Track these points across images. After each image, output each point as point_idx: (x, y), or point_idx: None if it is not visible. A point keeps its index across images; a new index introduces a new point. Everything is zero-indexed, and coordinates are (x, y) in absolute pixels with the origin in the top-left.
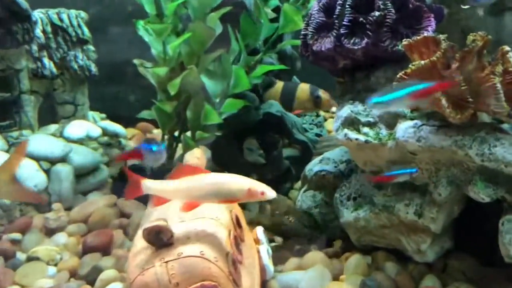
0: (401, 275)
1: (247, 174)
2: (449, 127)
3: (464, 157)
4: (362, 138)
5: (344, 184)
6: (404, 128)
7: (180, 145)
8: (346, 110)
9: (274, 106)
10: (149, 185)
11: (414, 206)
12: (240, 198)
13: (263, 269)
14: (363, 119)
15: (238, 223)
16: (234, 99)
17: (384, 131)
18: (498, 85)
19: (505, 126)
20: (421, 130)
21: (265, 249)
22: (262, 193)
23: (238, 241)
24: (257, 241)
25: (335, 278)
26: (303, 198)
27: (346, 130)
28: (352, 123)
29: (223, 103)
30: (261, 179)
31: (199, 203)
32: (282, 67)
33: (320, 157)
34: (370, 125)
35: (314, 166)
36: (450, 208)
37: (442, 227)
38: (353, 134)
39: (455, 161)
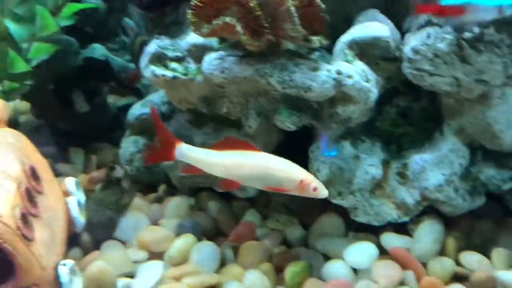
0: (222, 213)
1: (69, 125)
2: (251, 56)
3: (267, 85)
4: (169, 74)
5: None
6: (209, 61)
7: None
8: (153, 46)
9: (98, 50)
10: (187, 151)
11: None
12: (289, 188)
13: (72, 221)
14: (170, 54)
15: (34, 175)
16: (42, 43)
17: (192, 66)
18: (292, 8)
19: (316, 54)
20: (225, 61)
21: (75, 201)
22: (315, 189)
23: (32, 194)
24: (66, 193)
25: (155, 223)
26: (126, 144)
27: (153, 67)
28: (159, 59)
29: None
30: (85, 128)
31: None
32: (96, 5)
33: (142, 100)
34: (178, 60)
35: (135, 109)
36: (266, 140)
37: None
38: (159, 70)
39: (261, 91)
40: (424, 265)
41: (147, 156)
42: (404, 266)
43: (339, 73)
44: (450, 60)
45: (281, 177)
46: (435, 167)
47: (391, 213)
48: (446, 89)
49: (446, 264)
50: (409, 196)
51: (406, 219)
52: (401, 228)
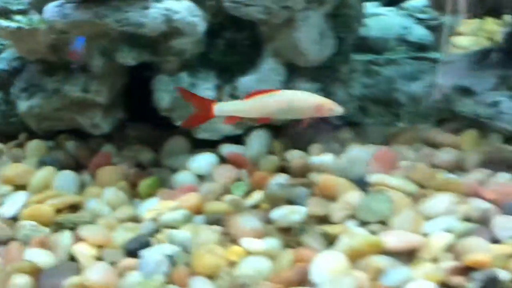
0: (80, 149)
1: None
2: (90, 1)
3: (105, 26)
4: (13, 25)
5: (17, 79)
6: (50, 9)
7: None
8: None
9: None
10: (224, 107)
11: (80, 84)
12: (309, 113)
13: None
14: (14, 7)
15: None
16: None
17: (36, 17)
18: None
19: None
20: (64, 8)
21: None
22: (330, 109)
23: None
24: None
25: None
26: None
27: None
28: (4, 12)
29: None
30: None
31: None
32: None
33: None
34: (22, 12)
35: None
36: (112, 80)
37: (108, 99)
38: (4, 22)
39: (101, 32)
40: (256, 164)
41: (187, 120)
42: (239, 166)
43: (167, 9)
44: None
45: (300, 105)
46: (259, 84)
47: (227, 128)
48: (259, 17)
49: (272, 160)
50: None
51: (240, 132)
52: (239, 141)
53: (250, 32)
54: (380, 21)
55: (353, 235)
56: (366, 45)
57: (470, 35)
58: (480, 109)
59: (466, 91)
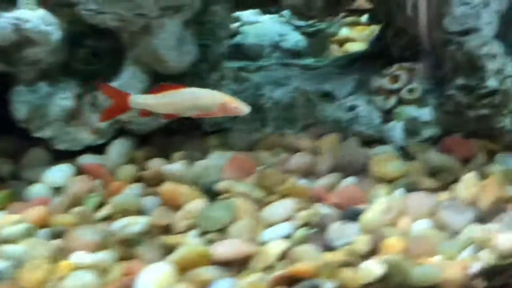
0: None
1: None
2: None
3: None
4: None
5: None
6: None
7: None
8: None
9: None
10: (139, 99)
11: None
12: (215, 111)
13: None
14: None
15: None
16: None
17: None
18: None
19: None
20: None
21: None
22: (236, 108)
23: None
24: None
25: None
26: None
27: None
28: None
29: None
30: None
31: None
32: None
33: None
34: None
35: None
36: None
37: None
38: None
39: None
40: (113, 174)
41: (104, 113)
42: (95, 177)
43: (17, 19)
44: None
45: (206, 102)
46: None
47: (87, 138)
48: (113, 24)
49: (129, 170)
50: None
51: (101, 141)
52: (102, 151)
53: (113, 39)
54: (257, 29)
55: (186, 246)
56: (242, 52)
57: (362, 41)
58: (340, 114)
59: (327, 96)
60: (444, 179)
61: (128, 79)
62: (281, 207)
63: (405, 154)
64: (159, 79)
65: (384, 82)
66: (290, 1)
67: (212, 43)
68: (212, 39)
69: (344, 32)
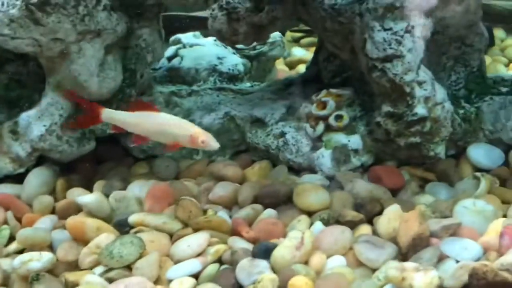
0: None
1: None
2: None
3: None
4: None
5: None
6: None
7: None
8: None
9: None
10: (111, 114)
11: None
12: (183, 142)
13: None
14: None
15: None
16: None
17: None
18: None
19: None
20: None
21: None
22: (203, 142)
23: None
24: None
25: None
26: None
27: None
28: None
29: None
30: None
31: (148, 138)
32: None
33: None
34: None
35: None
36: None
37: None
38: None
39: None
40: (29, 205)
41: (75, 121)
42: (7, 208)
43: None
44: (25, 23)
45: (175, 132)
46: (38, 120)
47: (7, 167)
48: (29, 50)
49: (45, 201)
50: (21, 149)
51: (21, 170)
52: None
53: (37, 65)
54: (195, 51)
55: (84, 285)
56: (179, 76)
57: None
58: (270, 141)
59: (258, 122)
60: (369, 211)
61: (47, 106)
62: (194, 241)
63: (334, 183)
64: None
65: (312, 108)
66: (215, 26)
67: (139, 68)
68: (139, 63)
69: (298, 53)
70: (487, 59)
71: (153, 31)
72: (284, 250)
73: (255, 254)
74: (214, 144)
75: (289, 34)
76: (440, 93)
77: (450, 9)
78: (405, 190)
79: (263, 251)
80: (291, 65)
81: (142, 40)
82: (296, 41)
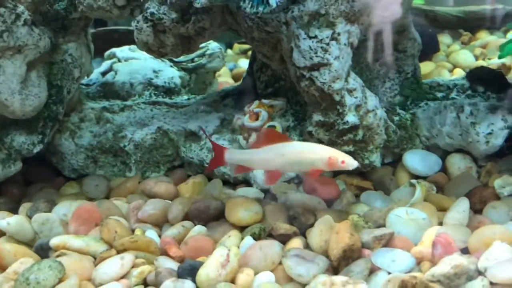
0: None
1: None
2: None
3: None
4: None
5: None
6: None
7: None
8: None
9: None
10: (235, 155)
11: None
12: (321, 167)
13: None
14: None
15: None
16: None
17: None
18: None
19: None
20: None
21: None
22: (343, 162)
23: None
24: None
25: None
26: None
27: None
28: None
29: None
30: None
31: (281, 173)
32: None
33: None
34: None
35: None
36: None
37: None
38: None
39: None
40: None
41: (208, 166)
42: None
43: None
44: None
45: (312, 158)
46: None
47: None
48: None
49: None
50: None
51: None
52: None
53: None
54: (131, 65)
55: None
56: (113, 91)
57: None
58: (204, 154)
59: (192, 136)
60: (303, 223)
61: None
62: (117, 263)
63: (269, 195)
64: (11, 124)
65: (245, 120)
66: (141, 38)
67: (66, 84)
68: (65, 79)
69: (245, 65)
70: (432, 65)
71: (80, 45)
72: (209, 268)
73: (180, 274)
74: (354, 163)
75: (236, 46)
76: (372, 100)
77: (376, 15)
78: (341, 200)
79: (188, 271)
80: (238, 77)
81: (68, 55)
82: (243, 52)
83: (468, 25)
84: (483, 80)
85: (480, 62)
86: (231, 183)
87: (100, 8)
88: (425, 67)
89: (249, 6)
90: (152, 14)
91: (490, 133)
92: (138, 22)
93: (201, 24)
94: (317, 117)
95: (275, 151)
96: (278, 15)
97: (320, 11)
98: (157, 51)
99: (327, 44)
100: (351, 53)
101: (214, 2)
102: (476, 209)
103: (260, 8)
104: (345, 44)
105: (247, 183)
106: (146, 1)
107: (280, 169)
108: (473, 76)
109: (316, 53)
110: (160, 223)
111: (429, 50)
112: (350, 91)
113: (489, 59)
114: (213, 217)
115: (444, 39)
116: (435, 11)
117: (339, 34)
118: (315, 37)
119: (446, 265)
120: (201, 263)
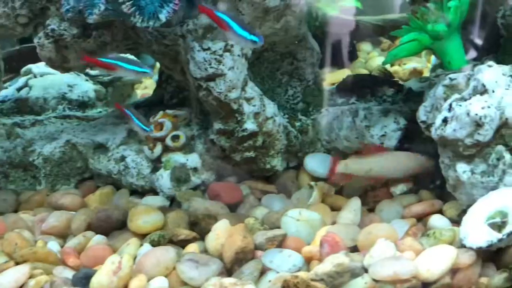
0: None
1: None
2: None
3: None
4: None
5: None
6: None
7: None
8: None
9: None
10: (348, 165)
11: None
12: (415, 172)
13: None
14: None
15: None
16: None
17: None
18: None
19: None
20: None
21: None
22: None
23: None
24: None
25: None
26: None
27: None
28: None
29: None
30: None
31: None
32: None
33: None
34: None
35: None
36: None
37: None
38: None
39: None
40: None
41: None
42: None
43: None
44: None
45: (408, 164)
46: None
47: None
48: None
49: None
50: None
51: None
52: None
53: None
54: (45, 81)
55: None
56: (27, 106)
57: None
58: (111, 165)
59: (100, 148)
60: (204, 228)
61: None
62: (12, 274)
63: (175, 203)
64: None
65: None
66: (44, 54)
67: None
68: None
69: None
70: (348, 72)
71: None
72: (101, 276)
73: (75, 283)
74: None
75: None
76: (270, 107)
77: (267, 26)
78: (244, 204)
79: (82, 279)
80: None
81: None
82: None
83: (387, 32)
84: (351, 89)
85: (396, 68)
86: (139, 192)
87: (2, 26)
88: (341, 74)
89: (140, 20)
90: (53, 30)
91: (383, 135)
92: (40, 38)
93: (102, 39)
94: (217, 125)
95: (384, 160)
96: (175, 29)
97: (213, 24)
98: (61, 66)
99: (221, 55)
100: (246, 63)
101: (106, 17)
102: (370, 208)
103: (151, 23)
104: (238, 55)
105: (155, 192)
106: (47, 18)
107: (388, 175)
108: (340, 87)
109: (210, 64)
110: (64, 234)
111: (348, 58)
112: (248, 100)
113: (405, 64)
114: (115, 227)
115: (365, 47)
116: (357, 21)
117: (232, 46)
118: (209, 49)
119: (329, 264)
120: (95, 272)
